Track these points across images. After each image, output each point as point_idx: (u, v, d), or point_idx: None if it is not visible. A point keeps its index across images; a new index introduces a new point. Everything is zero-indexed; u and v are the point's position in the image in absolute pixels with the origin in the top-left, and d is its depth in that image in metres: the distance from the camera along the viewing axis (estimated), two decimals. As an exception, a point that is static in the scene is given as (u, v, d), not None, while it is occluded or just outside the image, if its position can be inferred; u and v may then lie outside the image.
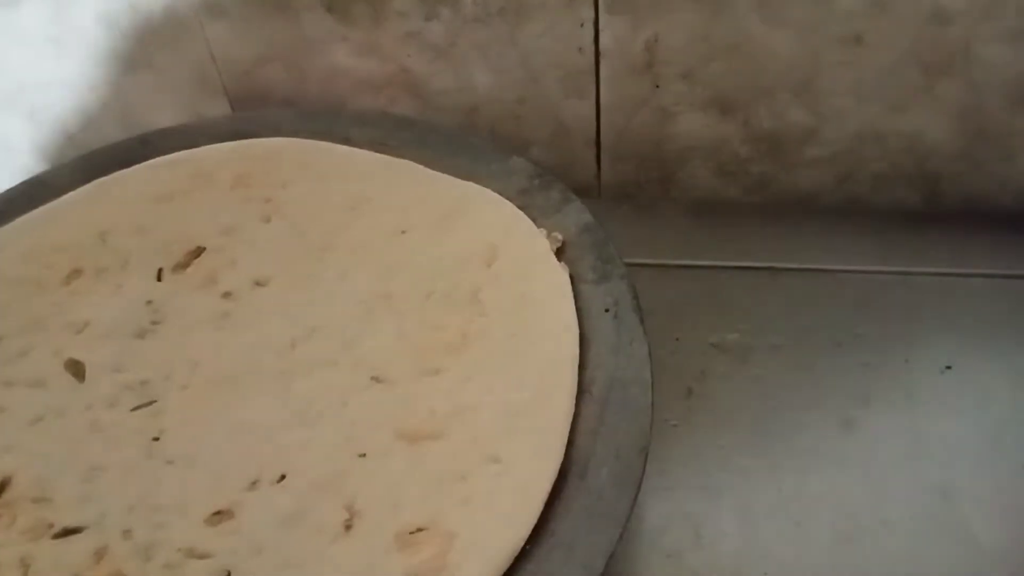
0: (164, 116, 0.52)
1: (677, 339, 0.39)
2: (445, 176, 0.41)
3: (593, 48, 0.46)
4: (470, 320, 0.35)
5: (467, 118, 0.49)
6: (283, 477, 0.31)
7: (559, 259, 0.36)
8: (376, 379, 0.34)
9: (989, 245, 0.43)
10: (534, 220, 0.38)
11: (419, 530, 0.28)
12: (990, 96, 0.44)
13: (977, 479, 0.34)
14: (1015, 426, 0.36)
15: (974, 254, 0.43)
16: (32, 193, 0.44)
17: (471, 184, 0.40)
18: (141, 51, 0.51)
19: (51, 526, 0.31)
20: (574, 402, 0.31)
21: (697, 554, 0.27)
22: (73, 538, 0.30)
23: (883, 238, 0.44)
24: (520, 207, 0.38)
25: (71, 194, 0.43)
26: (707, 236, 0.45)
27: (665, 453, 0.34)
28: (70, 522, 0.31)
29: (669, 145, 0.49)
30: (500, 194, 0.39)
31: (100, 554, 0.30)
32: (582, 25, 0.45)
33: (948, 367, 0.38)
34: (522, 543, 0.27)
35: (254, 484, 0.31)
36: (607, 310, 0.33)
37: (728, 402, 0.37)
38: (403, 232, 0.40)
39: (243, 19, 0.48)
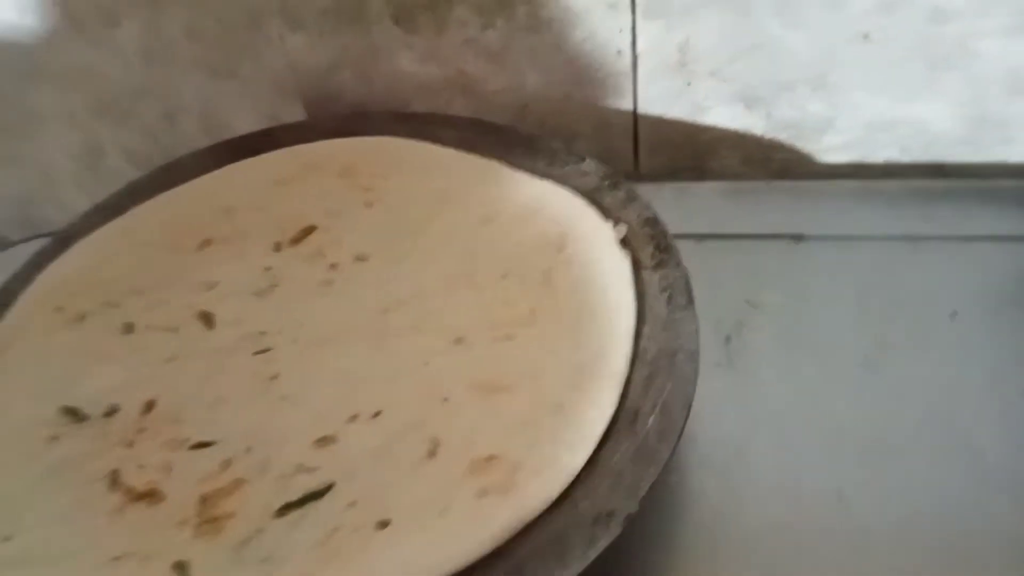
0: (244, 120, 0.57)
1: (715, 297, 0.43)
2: (525, 175, 0.47)
3: (631, 51, 0.51)
4: (541, 298, 0.40)
5: (518, 115, 0.54)
6: (378, 414, 0.37)
7: (623, 247, 0.41)
8: (458, 341, 0.39)
9: (991, 213, 0.48)
10: (602, 214, 0.43)
11: (491, 458, 0.34)
12: (988, 87, 0.48)
13: (981, 407, 0.38)
14: (1013, 362, 0.40)
15: (977, 221, 0.47)
16: (168, 175, 0.51)
17: (547, 182, 0.46)
18: (225, 61, 0.56)
19: (187, 440, 0.37)
20: (628, 365, 0.36)
21: (741, 470, 0.32)
22: (205, 450, 0.36)
23: (895, 209, 0.49)
24: (591, 203, 0.44)
25: (204, 176, 0.50)
26: (738, 210, 0.50)
27: (709, 389, 0.38)
28: (202, 437, 0.37)
29: (700, 136, 0.53)
30: (574, 191, 0.45)
31: (226, 464, 0.36)
32: (621, 31, 0.50)
33: (955, 314, 0.42)
34: (577, 470, 0.32)
35: (353, 418, 0.37)
36: (663, 291, 0.38)
37: (763, 348, 0.42)
38: (486, 222, 0.45)
39: (319, 31, 0.54)
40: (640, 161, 0.55)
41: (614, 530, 0.30)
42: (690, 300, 0.37)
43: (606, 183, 0.44)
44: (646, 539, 0.35)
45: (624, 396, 0.34)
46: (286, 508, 0.33)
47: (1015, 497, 0.35)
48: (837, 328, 0.42)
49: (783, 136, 0.53)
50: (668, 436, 0.32)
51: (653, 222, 0.41)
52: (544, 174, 0.46)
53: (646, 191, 0.44)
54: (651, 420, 0.33)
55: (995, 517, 0.35)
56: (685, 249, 0.41)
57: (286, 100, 0.57)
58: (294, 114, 0.58)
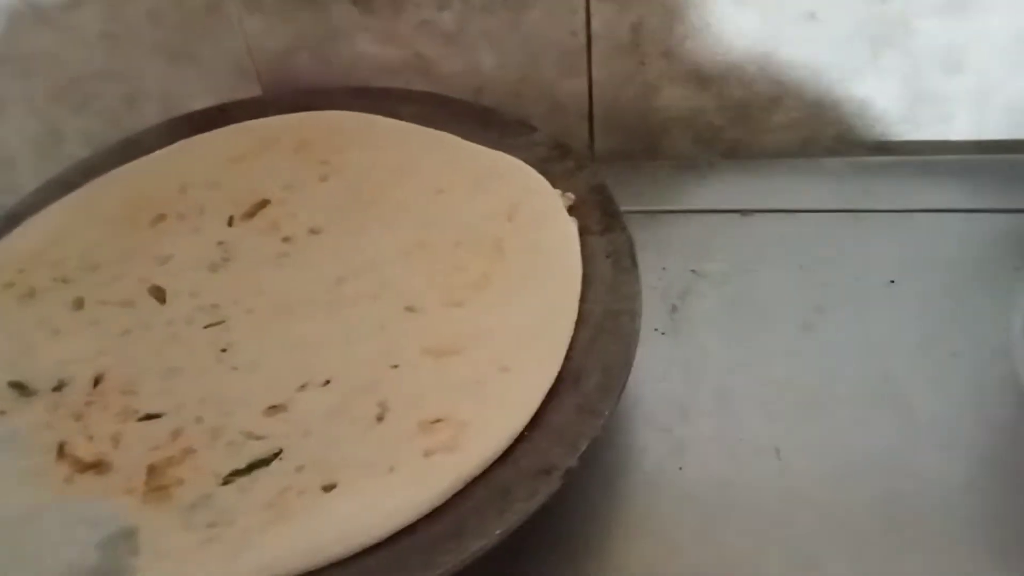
0: (203, 102, 0.56)
1: (664, 268, 0.45)
2: (478, 146, 0.47)
3: (585, 31, 0.51)
4: (492, 264, 0.41)
5: (473, 96, 0.54)
6: (328, 382, 0.37)
7: (570, 214, 0.41)
8: (409, 308, 0.40)
9: (928, 188, 0.49)
10: (552, 183, 0.43)
11: (438, 420, 0.34)
12: (927, 65, 0.49)
13: (914, 365, 0.40)
14: (947, 325, 0.41)
15: (916, 195, 0.49)
16: (124, 150, 0.51)
17: (500, 153, 0.46)
18: (185, 44, 0.56)
19: (136, 411, 0.37)
20: (573, 327, 0.36)
21: (684, 428, 0.33)
22: (154, 421, 0.37)
23: (838, 185, 0.50)
24: (541, 172, 0.44)
25: (158, 152, 0.50)
26: (688, 186, 0.51)
27: (655, 354, 0.40)
28: (152, 409, 0.37)
29: (653, 117, 0.54)
30: (524, 162, 0.45)
31: (176, 434, 0.36)
32: (575, 12, 0.51)
33: (892, 281, 0.43)
34: (521, 428, 0.33)
35: (304, 386, 0.37)
36: (608, 256, 0.39)
37: (707, 314, 0.43)
38: (440, 192, 0.45)
39: (276, 12, 0.54)
40: (595, 142, 0.56)
41: (554, 484, 0.30)
42: (634, 263, 0.38)
43: (556, 153, 0.45)
44: (590, 493, 0.36)
45: (568, 357, 0.35)
46: (234, 474, 0.34)
47: (945, 452, 0.36)
48: (779, 295, 0.43)
49: (732, 115, 0.53)
50: (609, 394, 0.33)
51: (600, 189, 0.42)
52: (496, 145, 0.47)
53: (598, 170, 0.44)
54: (593, 379, 0.34)
55: (926, 471, 0.36)
56: (635, 224, 0.41)
57: (245, 83, 0.57)
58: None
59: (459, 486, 0.31)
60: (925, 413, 0.38)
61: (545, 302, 0.38)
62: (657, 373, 0.40)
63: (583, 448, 0.31)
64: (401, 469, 0.32)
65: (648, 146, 0.56)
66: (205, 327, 0.41)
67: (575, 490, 0.31)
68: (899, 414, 0.38)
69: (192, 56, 0.57)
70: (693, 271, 0.45)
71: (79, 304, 0.42)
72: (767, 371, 0.40)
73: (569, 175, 0.44)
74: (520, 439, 0.32)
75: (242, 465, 0.34)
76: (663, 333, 0.42)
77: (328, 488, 0.32)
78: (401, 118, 0.50)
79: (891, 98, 0.51)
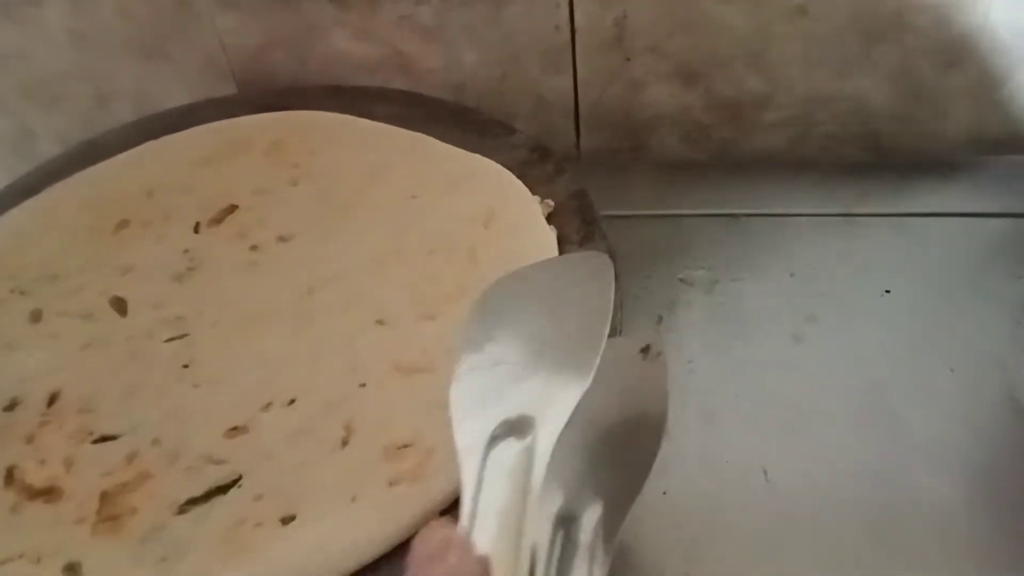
0: (176, 101, 0.55)
1: (649, 276, 0.43)
2: (454, 148, 0.45)
3: (569, 26, 0.49)
4: (466, 274, 0.39)
5: (455, 94, 0.53)
6: (293, 401, 0.35)
7: (549, 223, 0.39)
8: (380, 322, 0.38)
9: (924, 190, 0.47)
10: (530, 188, 0.41)
11: (405, 446, 0.32)
12: (922, 60, 0.47)
13: (909, 380, 0.38)
14: (943, 338, 0.40)
15: (910, 198, 0.47)
16: (88, 152, 0.49)
17: (477, 156, 0.44)
18: (156, 41, 0.54)
19: (91, 432, 0.35)
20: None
21: (667, 446, 0.31)
22: (110, 443, 0.35)
23: (830, 187, 0.48)
24: (519, 177, 0.42)
25: (123, 154, 0.48)
26: (674, 191, 0.49)
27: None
28: (108, 430, 0.35)
29: (639, 114, 0.52)
30: (502, 165, 0.43)
31: (132, 457, 0.34)
32: (558, 5, 0.49)
33: (887, 291, 0.42)
34: (490, 456, 0.31)
35: (268, 406, 0.35)
36: (587, 267, 0.37)
37: (694, 325, 0.41)
38: (414, 197, 0.44)
39: (250, 9, 0.52)
40: (581, 140, 0.54)
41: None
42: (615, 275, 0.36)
43: (535, 156, 0.43)
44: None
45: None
46: (190, 503, 0.32)
47: (941, 470, 0.35)
48: (768, 304, 0.42)
49: (721, 113, 0.51)
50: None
51: (580, 195, 0.40)
52: (474, 147, 0.45)
53: (583, 170, 0.42)
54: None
55: (920, 490, 0.34)
56: (619, 229, 0.40)
57: (219, 81, 0.56)
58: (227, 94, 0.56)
59: (424, 520, 0.30)
60: (920, 430, 0.36)
61: (520, 317, 0.36)
62: (640, 388, 0.38)
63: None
64: (364, 499, 0.31)
65: (635, 145, 0.54)
66: (167, 341, 0.39)
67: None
68: (892, 431, 0.36)
69: (164, 54, 0.55)
70: (680, 279, 0.43)
71: (37, 316, 0.41)
72: (755, 386, 0.38)
73: (548, 180, 0.42)
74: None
75: (199, 492, 0.32)
76: (649, 344, 0.40)
77: (287, 520, 0.31)
78: (376, 118, 0.48)
79: (884, 95, 0.49)
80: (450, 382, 0.26)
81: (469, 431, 0.25)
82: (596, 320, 0.27)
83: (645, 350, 0.31)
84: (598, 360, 0.26)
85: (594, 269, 0.30)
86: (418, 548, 0.22)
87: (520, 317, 0.28)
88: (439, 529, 0.23)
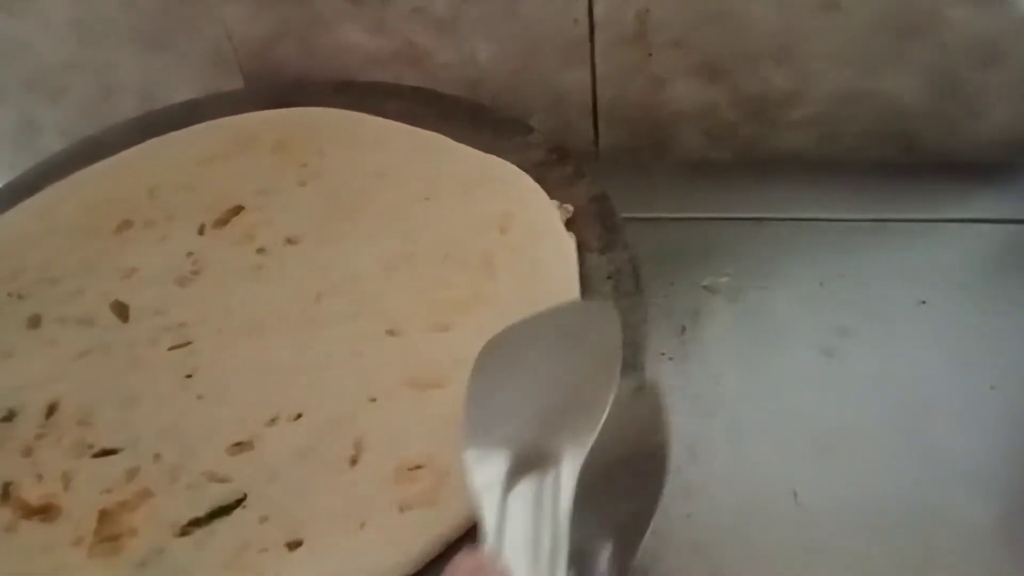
0: (182, 94, 0.54)
1: (672, 284, 0.41)
2: (469, 148, 0.43)
3: (588, 19, 0.47)
4: (481, 281, 0.37)
5: (470, 90, 0.51)
6: (300, 416, 0.34)
7: (568, 229, 0.38)
8: (391, 332, 0.36)
9: (960, 193, 0.45)
10: (548, 192, 0.40)
11: (417, 467, 0.31)
12: (958, 57, 0.45)
13: (948, 399, 0.36)
14: (984, 353, 0.38)
15: (946, 202, 0.45)
16: (90, 149, 0.47)
17: (492, 157, 0.42)
18: (161, 32, 0.52)
19: (91, 446, 0.34)
20: (569, 360, 0.33)
21: (692, 469, 0.30)
22: (110, 458, 0.34)
23: (861, 190, 0.46)
24: (536, 179, 0.40)
25: (125, 152, 0.47)
26: (697, 192, 0.47)
27: (662, 381, 0.36)
28: (108, 444, 0.34)
29: (661, 111, 0.50)
30: (519, 167, 0.41)
31: (132, 473, 0.33)
32: (577, -3, 0.47)
33: (923, 302, 0.40)
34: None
35: (273, 420, 0.34)
36: (609, 278, 0.35)
37: (719, 336, 0.39)
38: (427, 199, 0.42)
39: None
40: (599, 137, 0.52)
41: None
42: (638, 286, 0.34)
43: (553, 157, 0.41)
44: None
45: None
46: (192, 524, 0.31)
47: (980, 497, 0.33)
48: (797, 315, 0.40)
49: (747, 111, 0.49)
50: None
51: (601, 199, 0.38)
52: (489, 147, 0.43)
53: (602, 170, 0.41)
54: (590, 423, 0.30)
55: (958, 517, 0.33)
56: (640, 232, 0.38)
57: (226, 73, 0.54)
58: (234, 88, 0.54)
59: (436, 549, 0.28)
60: (958, 452, 0.34)
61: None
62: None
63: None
64: (373, 525, 0.29)
65: (656, 142, 0.52)
66: (170, 349, 0.38)
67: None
68: (929, 453, 0.34)
69: (169, 45, 0.54)
70: (704, 287, 0.41)
71: (35, 322, 0.39)
72: (784, 402, 0.36)
73: (567, 183, 0.40)
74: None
75: (202, 513, 0.31)
76: (670, 358, 0.38)
77: (293, 545, 0.29)
78: (387, 115, 0.46)
79: (917, 93, 0.47)
80: (461, 419, 0.25)
81: (485, 469, 0.23)
82: (607, 361, 0.27)
83: (639, 389, 0.30)
84: (612, 396, 0.24)
85: (600, 317, 0.29)
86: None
87: (529, 360, 0.28)
88: (470, 557, 0.22)
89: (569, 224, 0.38)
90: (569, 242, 0.37)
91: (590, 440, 0.24)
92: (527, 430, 0.25)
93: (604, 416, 0.25)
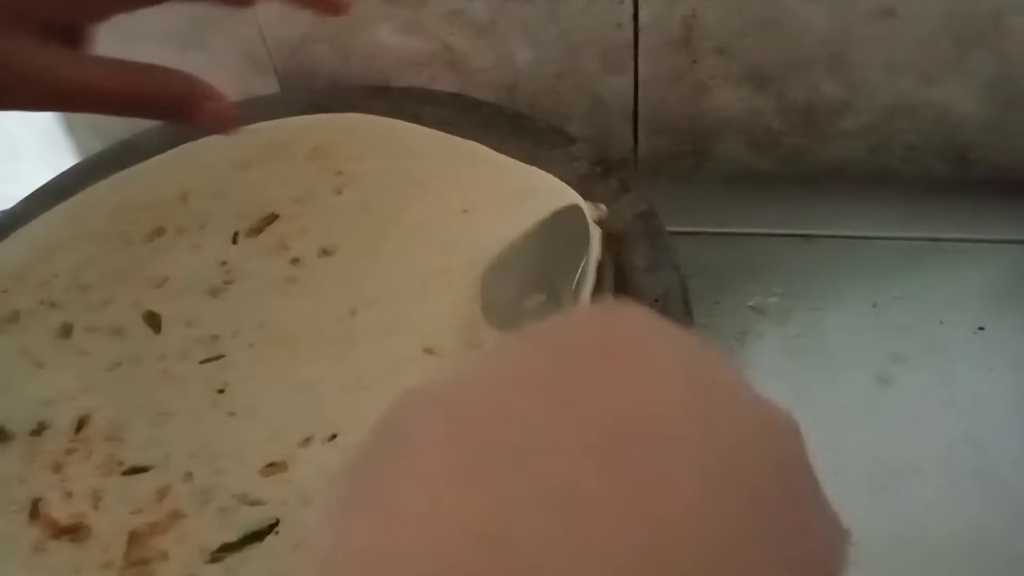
0: None
1: (717, 302, 0.40)
2: (509, 159, 0.42)
3: (632, 24, 0.46)
4: (521, 299, 0.36)
5: (507, 94, 0.50)
6: (334, 436, 0.33)
7: (609, 241, 0.36)
8: (428, 350, 0.35)
9: (1020, 212, 0.43)
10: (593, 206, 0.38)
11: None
12: (1021, 67, 0.43)
13: (1007, 431, 0.35)
14: (1043, 382, 0.36)
15: (1005, 221, 0.43)
16: (122, 154, 0.47)
17: (533, 168, 0.41)
18: (194, 31, 0.52)
19: (121, 463, 0.33)
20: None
21: None
22: (140, 476, 0.33)
23: (915, 206, 0.44)
24: (580, 193, 0.39)
25: (158, 157, 0.46)
26: (743, 205, 0.46)
27: None
28: (138, 461, 0.33)
29: (705, 119, 0.49)
30: (561, 179, 0.40)
31: (163, 493, 0.32)
32: (621, 2, 0.45)
33: (981, 328, 0.38)
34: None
35: (307, 441, 0.33)
36: (656, 300, 0.34)
37: (766, 360, 0.38)
38: (465, 211, 0.41)
39: None
40: (639, 144, 0.51)
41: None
42: (687, 310, 0.33)
43: (598, 170, 0.40)
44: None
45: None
46: (224, 549, 0.30)
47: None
48: (849, 339, 0.38)
49: (794, 120, 0.48)
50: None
51: (648, 216, 0.37)
52: (530, 158, 0.42)
53: (643, 181, 0.39)
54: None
55: (1021, 561, 0.31)
56: (683, 248, 0.37)
57: (259, 74, 0.53)
58: (268, 89, 0.54)
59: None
60: (1020, 490, 0.33)
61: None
62: (709, 432, 0.35)
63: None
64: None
65: (698, 151, 0.51)
66: (201, 362, 0.37)
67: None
68: (990, 491, 0.33)
69: (202, 45, 0.53)
70: (751, 307, 0.40)
71: (66, 331, 0.39)
72: (836, 434, 0.35)
73: (612, 197, 0.38)
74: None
75: (234, 538, 0.30)
76: (717, 382, 0.37)
77: None
78: (423, 122, 0.45)
79: (976, 104, 0.45)
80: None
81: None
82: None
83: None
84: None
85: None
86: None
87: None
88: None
89: (609, 238, 0.36)
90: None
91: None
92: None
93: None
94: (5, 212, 0.44)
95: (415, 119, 0.46)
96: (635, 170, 0.51)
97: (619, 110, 0.50)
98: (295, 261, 0.40)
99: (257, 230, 0.42)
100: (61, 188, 0.45)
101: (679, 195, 0.46)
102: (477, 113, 0.45)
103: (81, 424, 0.35)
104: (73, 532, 0.31)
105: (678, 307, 0.34)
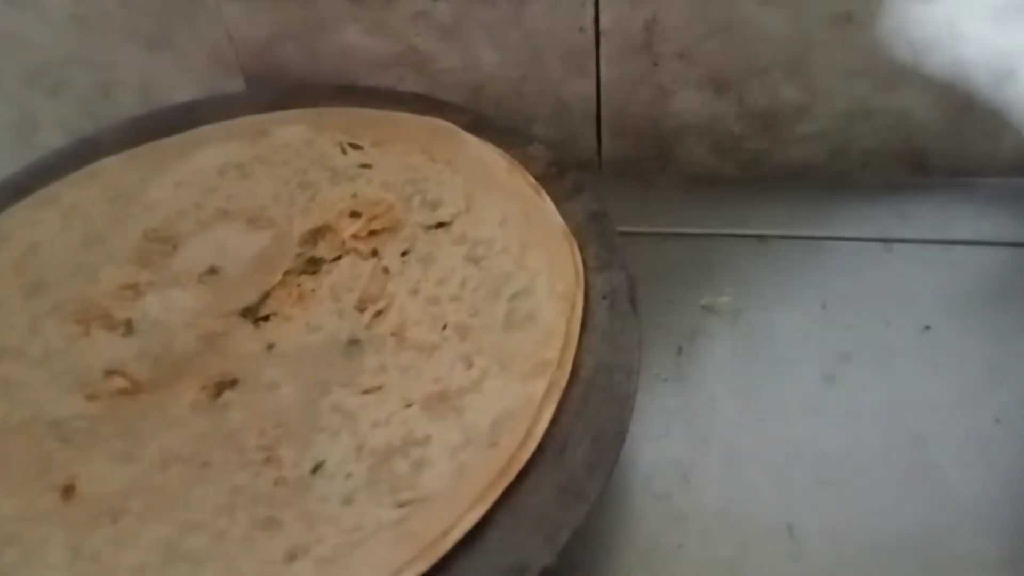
0: (184, 94, 0.53)
1: (670, 302, 0.41)
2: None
3: (594, 27, 0.47)
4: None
5: (472, 96, 0.50)
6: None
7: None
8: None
9: (971, 215, 0.44)
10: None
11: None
12: (975, 73, 0.44)
13: (951, 430, 0.35)
14: (989, 383, 0.37)
15: (956, 224, 0.44)
16: (84, 150, 0.46)
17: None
18: (160, 30, 0.52)
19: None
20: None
21: (685, 496, 0.29)
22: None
23: (869, 209, 0.45)
24: (534, 191, 0.39)
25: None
26: (701, 207, 0.46)
27: (656, 405, 0.35)
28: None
29: (666, 122, 0.49)
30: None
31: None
32: (583, 5, 0.46)
33: (927, 327, 0.39)
34: (485, 511, 0.28)
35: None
36: (604, 297, 0.34)
37: (716, 359, 0.39)
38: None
39: None
40: (602, 147, 0.51)
41: (526, 585, 0.26)
42: (634, 308, 0.33)
43: (553, 170, 0.40)
44: (575, 574, 0.32)
45: (553, 420, 0.30)
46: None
47: (985, 534, 0.32)
48: (798, 338, 0.39)
49: (754, 124, 0.48)
50: (597, 472, 0.29)
51: (600, 216, 0.37)
52: (488, 158, 0.42)
53: (604, 181, 0.40)
54: (580, 451, 0.29)
55: (960, 556, 0.32)
56: (639, 248, 0.37)
57: (227, 74, 0.53)
58: (235, 88, 0.54)
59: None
60: (962, 487, 0.33)
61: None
62: (657, 428, 0.35)
63: (563, 542, 0.27)
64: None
65: (662, 154, 0.51)
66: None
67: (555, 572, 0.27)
68: (932, 487, 0.33)
69: (169, 43, 0.53)
70: (703, 307, 0.40)
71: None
72: (782, 431, 0.35)
73: (566, 197, 0.39)
74: (489, 524, 0.28)
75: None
76: (666, 379, 0.38)
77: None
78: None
79: (931, 109, 0.46)
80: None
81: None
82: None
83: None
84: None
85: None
86: None
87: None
88: None
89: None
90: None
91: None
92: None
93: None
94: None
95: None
96: (599, 172, 0.51)
97: (582, 113, 0.50)
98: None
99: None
100: (20, 184, 0.45)
101: (641, 197, 0.47)
102: (439, 112, 0.45)
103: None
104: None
105: (625, 305, 0.34)
